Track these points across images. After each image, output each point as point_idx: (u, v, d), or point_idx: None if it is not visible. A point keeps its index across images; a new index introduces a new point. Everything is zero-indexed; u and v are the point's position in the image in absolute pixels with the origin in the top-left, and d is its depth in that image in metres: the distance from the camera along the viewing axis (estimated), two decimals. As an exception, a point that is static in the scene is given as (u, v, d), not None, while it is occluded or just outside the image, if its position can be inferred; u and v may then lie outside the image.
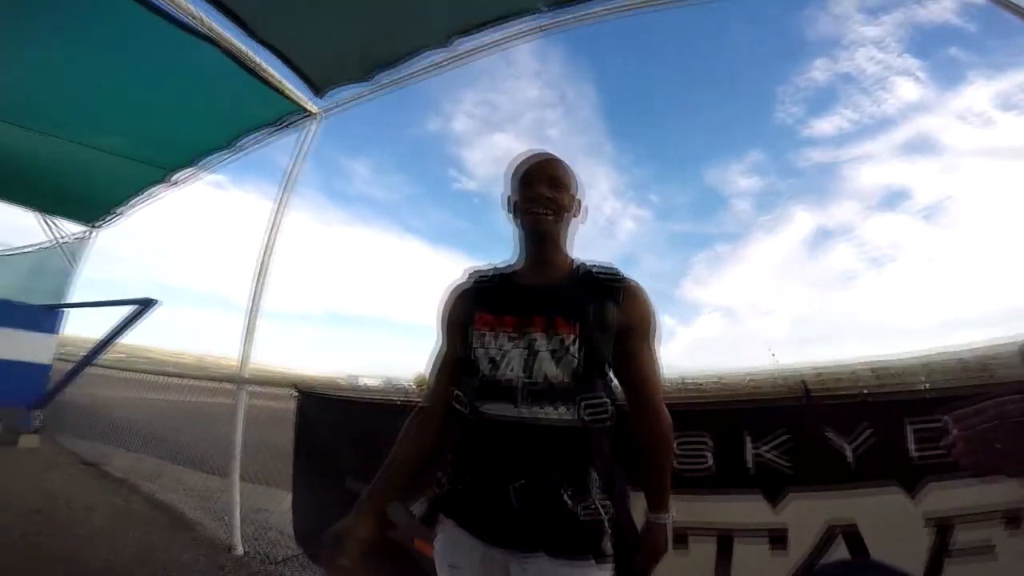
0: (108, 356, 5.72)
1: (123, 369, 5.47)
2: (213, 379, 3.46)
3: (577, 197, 1.24)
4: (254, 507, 3.60)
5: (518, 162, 1.25)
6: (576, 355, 1.05)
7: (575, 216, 1.24)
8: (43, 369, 5.43)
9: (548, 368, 1.05)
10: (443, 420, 1.20)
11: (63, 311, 5.71)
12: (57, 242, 6.18)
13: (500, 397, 1.06)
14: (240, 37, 2.90)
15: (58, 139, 4.16)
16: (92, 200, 5.49)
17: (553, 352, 1.05)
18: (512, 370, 1.06)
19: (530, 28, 2.51)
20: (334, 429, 2.57)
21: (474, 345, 1.12)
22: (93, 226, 6.17)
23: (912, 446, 1.39)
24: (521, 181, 1.21)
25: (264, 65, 3.14)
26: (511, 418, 1.04)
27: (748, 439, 1.54)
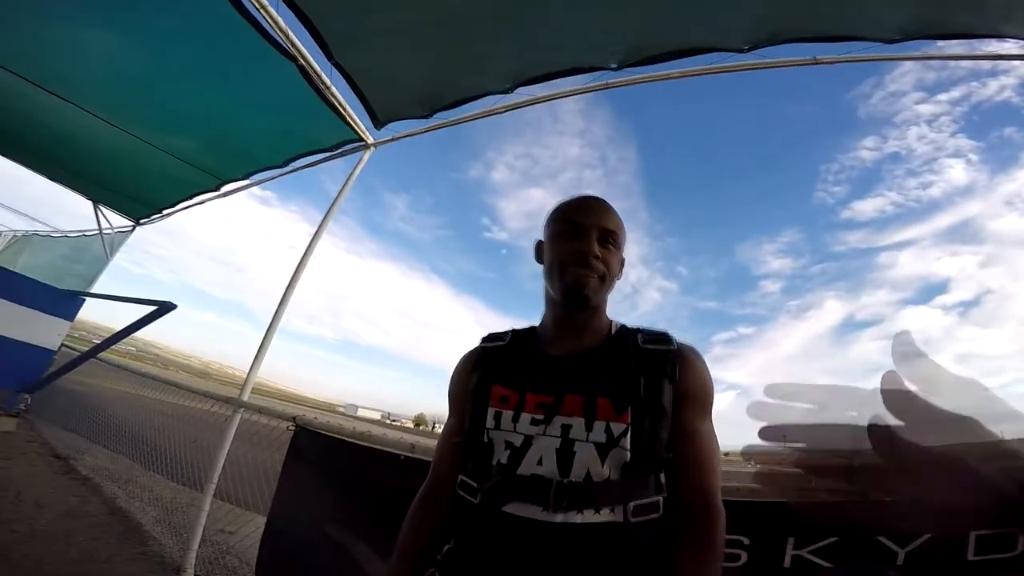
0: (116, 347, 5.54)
1: (126, 370, 5.23)
2: (214, 398, 3.23)
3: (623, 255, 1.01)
4: (217, 527, 3.21)
5: (560, 204, 1.01)
6: (628, 448, 0.83)
7: (618, 278, 1.00)
8: (46, 353, 5.24)
9: (592, 466, 0.82)
10: (449, 508, 0.96)
11: (83, 299, 5.62)
12: (101, 232, 6.23)
13: (525, 496, 0.82)
14: (317, 59, 2.95)
15: (127, 134, 4.25)
16: (143, 198, 5.57)
17: (598, 445, 0.83)
18: (542, 464, 0.83)
19: (596, 84, 2.50)
20: (327, 471, 2.30)
21: (488, 426, 0.89)
22: (138, 222, 6.24)
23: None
24: (563, 228, 0.97)
25: (334, 90, 3.19)
26: (539, 522, 0.80)
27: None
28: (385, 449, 2.14)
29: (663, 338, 0.93)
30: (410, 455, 2.04)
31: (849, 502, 1.34)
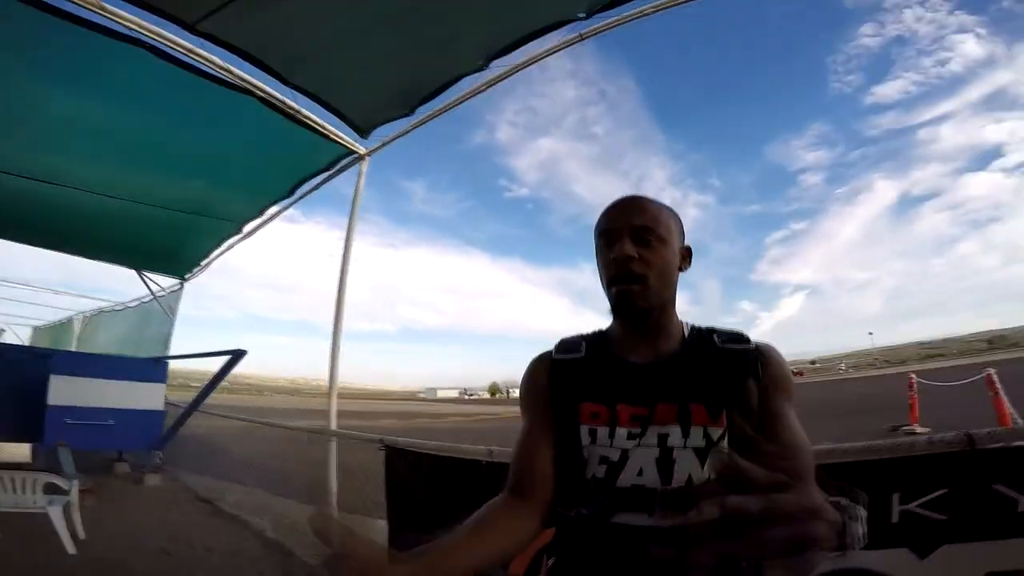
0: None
1: (225, 417, 5.67)
2: (307, 431, 3.48)
3: (682, 245, 0.95)
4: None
5: (599, 215, 0.95)
6: (726, 450, 0.82)
7: (682, 270, 0.95)
8: (159, 414, 5.78)
9: (693, 470, 0.82)
10: (532, 515, 0.90)
11: (167, 361, 6.07)
12: (155, 296, 6.55)
13: (626, 506, 0.83)
14: (275, 87, 2.83)
15: (142, 204, 4.39)
16: (180, 256, 5.79)
17: (697, 450, 0.83)
18: (642, 475, 0.83)
19: (571, 38, 2.25)
20: (421, 483, 2.44)
21: (583, 443, 0.87)
22: (184, 279, 6.51)
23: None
24: (600, 241, 0.93)
25: (307, 113, 3.07)
26: (648, 528, 0.81)
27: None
28: (466, 457, 2.23)
29: (741, 337, 0.91)
30: (489, 459, 2.09)
31: (954, 454, 1.28)
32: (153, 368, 5.83)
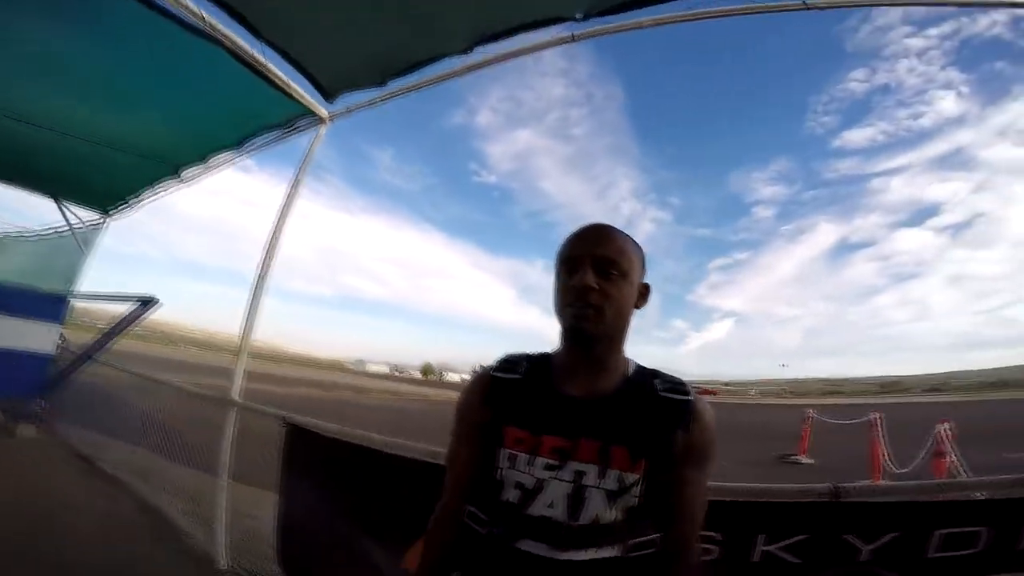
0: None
1: (121, 370, 5.03)
2: (206, 399, 3.15)
3: (641, 282, 0.94)
4: (242, 512, 3.22)
5: (564, 240, 0.95)
6: (638, 496, 0.83)
7: (638, 307, 0.93)
8: (45, 358, 5.12)
9: (600, 511, 0.82)
10: (458, 532, 0.96)
11: (68, 300, 5.41)
12: (71, 228, 5.88)
13: (532, 534, 0.83)
14: (247, 38, 2.61)
15: (70, 136, 3.94)
16: (104, 191, 5.21)
17: (609, 492, 0.82)
18: (552, 507, 0.83)
19: (561, 36, 2.18)
20: (320, 465, 2.32)
21: (501, 466, 0.88)
22: (107, 214, 5.88)
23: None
24: (562, 267, 0.92)
25: (271, 67, 2.84)
26: (546, 558, 0.82)
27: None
28: (366, 445, 2.15)
29: (680, 388, 0.89)
30: (418, 457, 2.01)
31: (820, 503, 1.38)
32: (50, 305, 5.18)
